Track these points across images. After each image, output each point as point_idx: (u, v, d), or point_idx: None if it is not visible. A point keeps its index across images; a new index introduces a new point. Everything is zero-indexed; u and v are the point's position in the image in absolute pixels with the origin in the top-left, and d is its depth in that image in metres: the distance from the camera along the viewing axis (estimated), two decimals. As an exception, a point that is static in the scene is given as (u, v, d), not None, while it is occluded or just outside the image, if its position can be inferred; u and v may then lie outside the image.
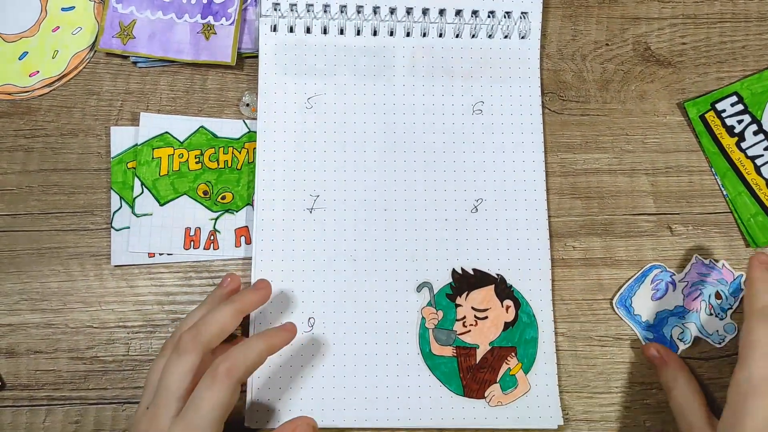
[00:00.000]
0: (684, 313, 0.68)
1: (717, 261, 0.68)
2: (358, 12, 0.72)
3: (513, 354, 0.67)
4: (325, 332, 0.67)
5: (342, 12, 0.71)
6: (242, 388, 0.65)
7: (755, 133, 0.71)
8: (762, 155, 0.71)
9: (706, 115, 0.72)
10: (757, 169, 0.71)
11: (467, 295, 0.68)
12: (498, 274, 0.68)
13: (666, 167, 0.72)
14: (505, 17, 0.72)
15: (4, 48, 0.71)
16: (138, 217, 0.68)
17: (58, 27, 0.72)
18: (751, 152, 0.71)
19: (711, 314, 0.68)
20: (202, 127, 0.70)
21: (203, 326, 0.57)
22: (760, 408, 0.53)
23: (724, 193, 0.71)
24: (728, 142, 0.71)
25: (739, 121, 0.72)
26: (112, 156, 0.70)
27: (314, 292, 0.68)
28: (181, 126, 0.70)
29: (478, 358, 0.67)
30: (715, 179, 0.72)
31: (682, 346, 0.67)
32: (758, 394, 0.53)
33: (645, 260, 0.70)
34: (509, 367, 0.67)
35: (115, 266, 0.68)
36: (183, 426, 0.53)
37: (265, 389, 0.65)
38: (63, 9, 0.72)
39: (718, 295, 0.67)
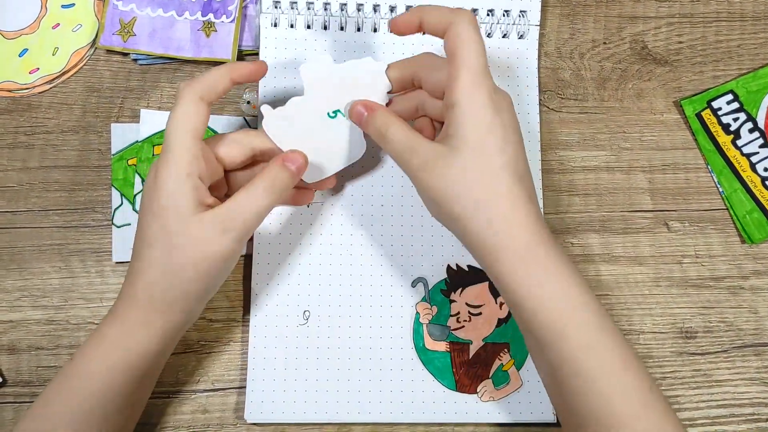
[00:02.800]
0: None
1: None
2: (359, 10, 0.72)
3: (506, 350, 0.67)
4: (320, 326, 0.67)
5: (342, 9, 0.72)
6: (242, 383, 0.66)
7: (750, 131, 0.72)
8: (757, 153, 0.71)
9: (703, 113, 0.72)
10: (753, 166, 0.71)
11: (462, 291, 0.68)
12: (494, 271, 0.69)
13: (663, 164, 0.72)
14: (504, 16, 0.72)
15: (4, 45, 0.72)
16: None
17: (58, 24, 0.72)
18: (746, 150, 0.71)
19: None
20: (202, 124, 0.71)
21: (198, 76, 0.59)
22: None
23: (720, 190, 0.72)
24: (724, 139, 0.72)
25: (735, 119, 0.72)
26: (112, 153, 0.70)
27: (310, 286, 0.68)
28: (181, 123, 0.71)
29: (471, 354, 0.67)
30: (711, 176, 0.72)
31: None
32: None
33: (642, 256, 0.70)
34: (502, 363, 0.67)
35: (117, 263, 0.69)
36: (162, 147, 0.56)
37: (260, 382, 0.66)
38: (63, 6, 0.73)
39: None
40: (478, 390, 0.67)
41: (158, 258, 0.55)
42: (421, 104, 0.63)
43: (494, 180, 0.54)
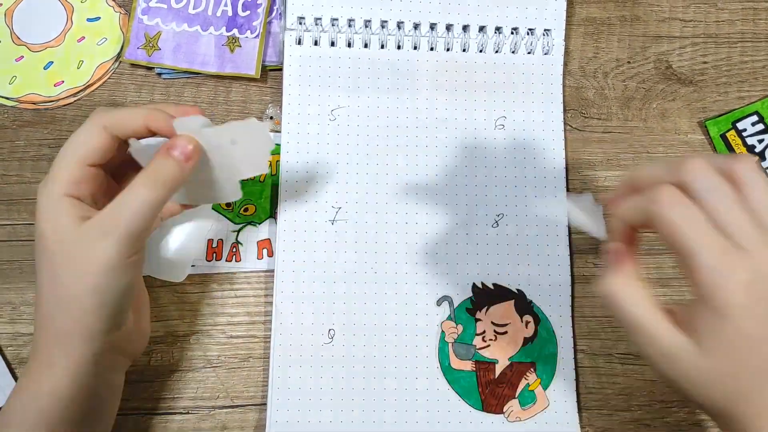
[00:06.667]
0: None
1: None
2: (383, 27, 0.72)
3: (532, 369, 0.67)
4: (345, 345, 0.67)
5: (366, 26, 0.72)
6: (262, 400, 0.65)
7: (776, 153, 0.72)
8: (783, 175, 0.71)
9: (727, 134, 0.72)
10: (778, 188, 0.71)
11: (487, 309, 0.68)
12: (518, 290, 0.69)
13: (687, 185, 0.72)
14: (528, 34, 0.73)
15: (29, 57, 0.72)
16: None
17: (84, 37, 0.72)
18: (772, 171, 0.71)
19: None
20: (225, 139, 0.70)
21: (115, 108, 0.55)
22: None
23: (745, 211, 0.71)
24: (749, 161, 0.72)
25: (760, 141, 0.72)
26: (135, 166, 0.70)
27: (334, 304, 0.68)
28: (205, 137, 0.70)
29: (497, 373, 0.67)
30: (736, 198, 0.72)
31: None
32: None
33: (665, 278, 0.70)
34: (528, 383, 0.67)
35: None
36: (50, 173, 0.53)
37: (283, 400, 0.65)
38: (88, 20, 0.73)
39: None
40: (504, 410, 0.66)
41: (46, 285, 0.51)
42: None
43: (758, 365, 0.46)
